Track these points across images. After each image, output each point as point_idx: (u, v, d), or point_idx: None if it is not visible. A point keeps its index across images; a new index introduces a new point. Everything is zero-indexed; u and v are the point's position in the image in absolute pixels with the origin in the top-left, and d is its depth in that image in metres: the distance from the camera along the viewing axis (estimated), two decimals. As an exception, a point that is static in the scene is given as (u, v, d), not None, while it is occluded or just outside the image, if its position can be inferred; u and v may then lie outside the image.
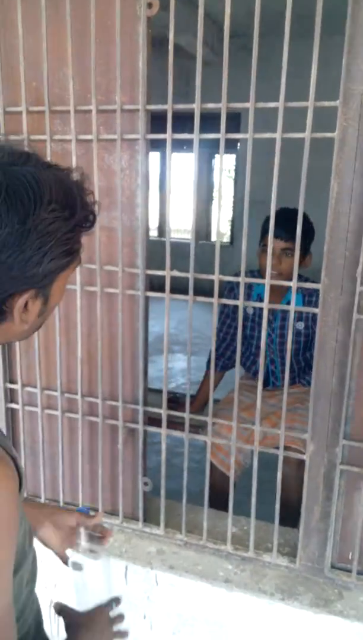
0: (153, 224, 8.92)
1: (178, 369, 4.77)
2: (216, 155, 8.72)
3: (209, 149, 7.42)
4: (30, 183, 0.64)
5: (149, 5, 1.38)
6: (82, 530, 1.01)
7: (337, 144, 1.28)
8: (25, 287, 0.68)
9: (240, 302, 1.44)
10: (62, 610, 0.98)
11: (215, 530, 1.64)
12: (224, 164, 8.39)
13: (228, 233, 8.35)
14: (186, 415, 1.54)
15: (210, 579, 1.50)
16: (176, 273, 1.47)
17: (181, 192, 6.82)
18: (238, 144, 7.27)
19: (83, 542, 1.01)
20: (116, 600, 1.01)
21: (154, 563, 1.55)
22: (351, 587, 1.47)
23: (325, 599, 1.44)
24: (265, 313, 1.43)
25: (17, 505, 0.69)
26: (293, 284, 1.40)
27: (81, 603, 1.00)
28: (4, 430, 1.74)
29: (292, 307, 1.41)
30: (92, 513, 1.06)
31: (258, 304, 1.45)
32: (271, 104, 1.29)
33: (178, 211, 8.55)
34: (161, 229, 8.79)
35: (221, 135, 1.34)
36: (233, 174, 8.25)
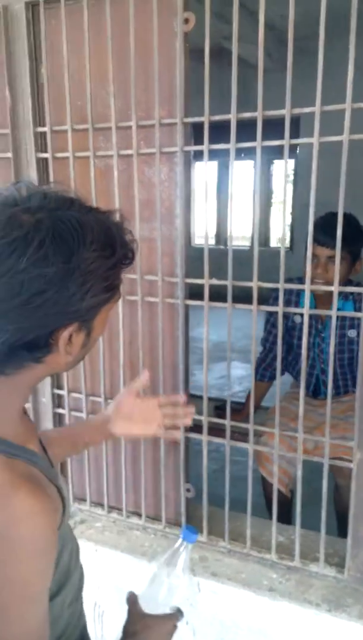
0: (211, 232, 8.96)
1: (234, 377, 4.76)
2: (275, 161, 8.68)
3: (268, 155, 7.38)
4: (74, 226, 0.69)
5: (186, 21, 1.41)
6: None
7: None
8: (70, 321, 0.72)
9: (279, 309, 1.44)
10: (133, 603, 0.98)
11: (261, 539, 1.63)
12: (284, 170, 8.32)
13: (288, 238, 8.26)
14: (227, 422, 1.55)
15: (254, 587, 1.49)
16: (214, 281, 1.48)
17: (239, 200, 6.83)
18: (297, 149, 7.19)
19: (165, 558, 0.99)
20: (181, 612, 0.99)
21: (197, 570, 1.56)
22: None
23: (373, 613, 1.39)
24: (306, 319, 1.41)
25: (55, 539, 0.72)
26: (335, 288, 1.38)
27: (150, 606, 0.98)
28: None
29: (334, 313, 1.39)
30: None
31: (298, 310, 1.43)
32: (338, 106, 1.27)
33: (236, 218, 8.53)
34: (219, 237, 8.81)
35: (286, 142, 1.33)
36: (291, 178, 8.18)
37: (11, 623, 0.70)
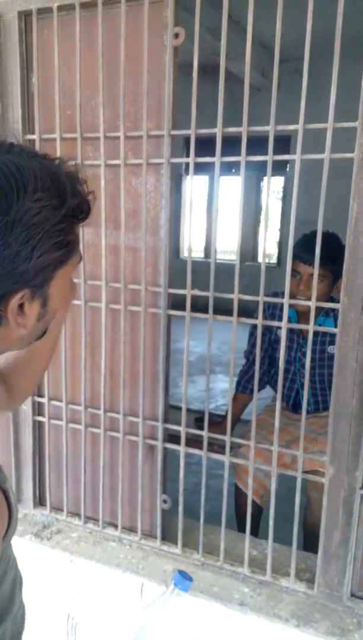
0: (200, 245, 9.02)
1: (218, 390, 4.76)
2: (264, 178, 8.74)
3: (258, 172, 7.46)
4: (12, 172, 0.60)
5: (176, 36, 1.44)
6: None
7: (356, 164, 1.28)
8: (18, 287, 0.63)
9: (259, 321, 1.45)
10: None
11: (234, 552, 1.63)
12: (273, 186, 8.42)
13: (275, 255, 8.33)
14: (205, 434, 1.55)
15: (225, 601, 1.49)
16: (196, 292, 1.50)
17: (229, 215, 6.88)
18: (287, 166, 7.30)
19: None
20: None
21: (169, 582, 1.55)
22: (371, 618, 1.42)
23: (342, 628, 1.40)
24: (283, 333, 1.43)
25: None
26: (312, 303, 1.39)
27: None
28: (31, 442, 1.80)
29: (311, 327, 1.41)
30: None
31: (277, 323, 1.45)
32: (320, 125, 1.30)
33: (226, 233, 8.60)
34: (208, 251, 8.87)
35: (269, 158, 1.35)
36: (281, 195, 8.28)
37: None
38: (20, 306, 0.65)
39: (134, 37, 1.46)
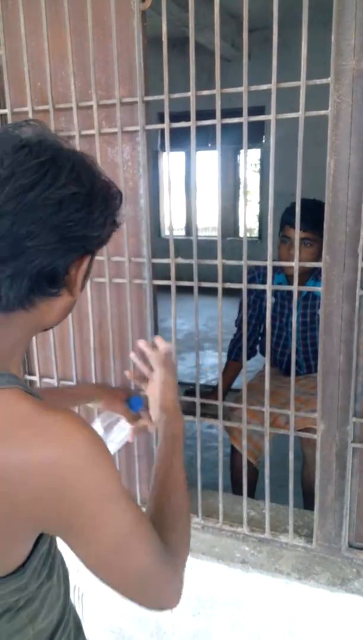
0: (180, 223, 8.98)
1: (208, 365, 4.79)
2: (241, 151, 8.67)
3: (235, 145, 7.41)
4: (84, 160, 0.72)
5: (143, 0, 1.41)
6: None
7: (331, 121, 1.28)
8: (86, 251, 0.72)
9: (243, 286, 1.46)
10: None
11: (233, 514, 1.66)
12: (250, 159, 8.37)
13: (256, 228, 8.32)
14: (197, 400, 1.57)
15: (227, 560, 1.52)
16: (180, 260, 1.50)
17: (208, 190, 6.84)
18: (264, 138, 7.26)
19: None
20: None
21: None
22: (369, 567, 1.46)
23: (342, 578, 1.44)
24: (269, 295, 1.44)
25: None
26: (295, 264, 1.40)
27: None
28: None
29: (295, 288, 1.41)
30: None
31: (260, 286, 1.46)
32: (293, 83, 1.29)
33: (206, 209, 8.56)
34: (189, 228, 8.83)
35: (244, 119, 1.33)
36: (259, 168, 8.23)
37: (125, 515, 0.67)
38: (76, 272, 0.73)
39: (101, 3, 1.43)
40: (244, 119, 1.34)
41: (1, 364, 0.70)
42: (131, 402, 1.18)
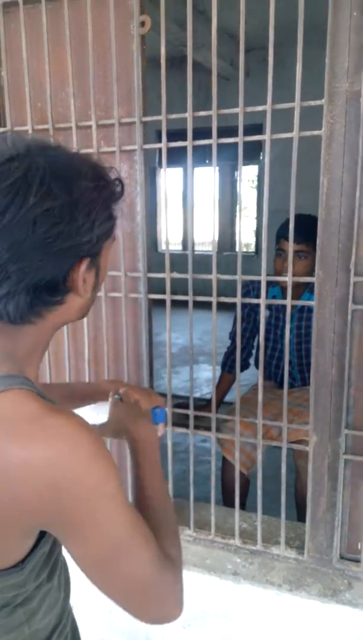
0: (177, 238, 9.05)
1: (202, 379, 4.81)
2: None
3: (232, 161, 7.51)
4: (66, 162, 0.72)
5: (142, 24, 1.47)
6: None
7: (325, 141, 1.32)
8: (83, 255, 0.73)
9: (237, 300, 1.49)
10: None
11: (225, 527, 1.68)
12: (247, 175, 8.47)
13: (253, 243, 8.41)
14: (191, 412, 1.59)
15: (218, 572, 1.53)
16: (175, 275, 1.53)
17: (205, 206, 6.90)
18: (261, 155, 7.37)
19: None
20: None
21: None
22: (361, 577, 1.47)
23: (333, 589, 1.45)
24: (262, 309, 1.47)
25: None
26: (289, 278, 1.43)
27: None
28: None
29: (289, 302, 1.44)
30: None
31: (255, 300, 1.49)
32: (287, 105, 1.33)
33: (203, 225, 8.63)
34: (185, 243, 8.90)
35: (240, 139, 1.38)
36: (256, 184, 8.34)
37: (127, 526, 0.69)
38: (83, 276, 0.74)
39: (101, 27, 1.48)
40: (239, 139, 1.39)
41: (17, 368, 0.72)
42: (156, 414, 1.14)
